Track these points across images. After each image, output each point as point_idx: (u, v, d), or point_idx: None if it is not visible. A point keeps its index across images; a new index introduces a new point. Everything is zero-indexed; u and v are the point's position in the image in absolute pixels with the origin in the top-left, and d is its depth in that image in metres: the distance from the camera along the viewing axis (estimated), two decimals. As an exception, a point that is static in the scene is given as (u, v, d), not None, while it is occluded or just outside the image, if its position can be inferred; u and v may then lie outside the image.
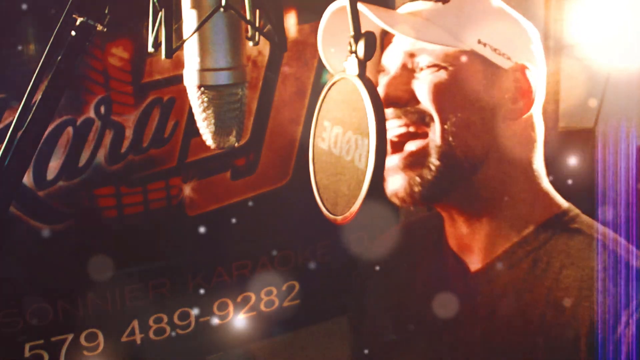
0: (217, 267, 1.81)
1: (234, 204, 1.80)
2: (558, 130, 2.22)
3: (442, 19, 0.97)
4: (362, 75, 0.74)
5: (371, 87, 0.73)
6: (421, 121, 0.97)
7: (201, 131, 0.86)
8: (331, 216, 0.80)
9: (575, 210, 1.02)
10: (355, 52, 0.74)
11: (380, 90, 0.98)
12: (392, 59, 1.01)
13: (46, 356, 1.62)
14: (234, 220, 1.80)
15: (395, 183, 0.97)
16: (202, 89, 0.82)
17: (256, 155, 1.81)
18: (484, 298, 0.99)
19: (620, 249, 0.94)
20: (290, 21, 1.76)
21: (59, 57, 0.78)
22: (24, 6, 1.44)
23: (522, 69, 0.98)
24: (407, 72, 0.99)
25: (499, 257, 0.99)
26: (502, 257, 0.99)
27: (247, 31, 0.86)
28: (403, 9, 1.04)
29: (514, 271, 0.97)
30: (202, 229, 1.76)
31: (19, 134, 0.77)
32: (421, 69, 0.98)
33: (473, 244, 1.02)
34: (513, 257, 0.98)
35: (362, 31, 0.73)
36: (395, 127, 0.98)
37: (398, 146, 0.99)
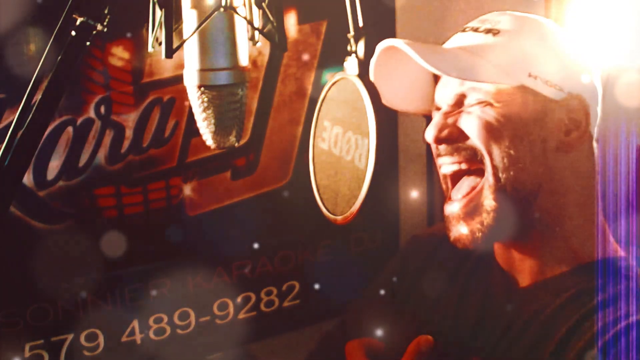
0: (217, 267, 1.81)
1: (234, 204, 1.80)
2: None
3: (492, 54, 0.95)
4: (362, 75, 0.74)
5: (371, 87, 0.73)
6: (473, 158, 0.97)
7: (201, 131, 0.86)
8: (331, 216, 0.80)
9: (631, 261, 1.00)
10: (356, 52, 0.74)
11: (432, 128, 0.98)
12: (445, 97, 1.00)
13: (46, 356, 1.62)
14: (234, 220, 1.80)
15: (459, 231, 0.98)
16: (202, 89, 0.82)
17: (256, 155, 1.81)
18: (523, 315, 0.98)
19: None
20: (290, 21, 1.76)
21: (59, 57, 0.78)
22: (24, 6, 1.44)
23: (575, 99, 0.97)
24: (458, 109, 0.98)
25: (547, 280, 0.99)
26: (550, 280, 0.99)
27: (247, 31, 0.86)
28: (451, 42, 1.02)
29: (558, 298, 0.97)
30: (202, 229, 1.76)
31: (19, 134, 0.77)
32: (470, 105, 0.97)
33: (522, 267, 1.02)
34: (561, 285, 0.98)
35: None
36: (448, 163, 0.99)
37: (454, 181, 1.00)
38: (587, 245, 1.00)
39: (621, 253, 1.01)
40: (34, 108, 0.77)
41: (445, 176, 1.01)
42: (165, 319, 1.76)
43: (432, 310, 1.11)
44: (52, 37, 0.79)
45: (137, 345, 1.73)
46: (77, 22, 0.79)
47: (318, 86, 1.83)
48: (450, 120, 0.98)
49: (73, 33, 0.79)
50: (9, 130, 0.78)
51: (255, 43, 0.88)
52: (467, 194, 0.98)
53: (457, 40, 1.01)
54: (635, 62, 1.93)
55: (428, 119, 1.02)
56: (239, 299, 1.85)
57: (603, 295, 0.94)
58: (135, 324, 1.72)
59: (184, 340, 1.79)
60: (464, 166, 0.98)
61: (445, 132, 0.97)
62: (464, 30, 1.01)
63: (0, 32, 1.44)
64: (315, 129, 0.86)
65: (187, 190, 1.73)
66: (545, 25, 1.01)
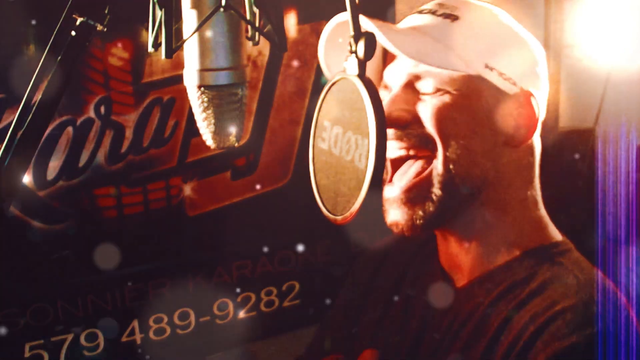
0: (217, 267, 1.81)
1: (234, 204, 1.80)
2: (558, 130, 2.23)
3: (450, 39, 0.94)
4: (362, 75, 0.74)
5: (371, 87, 0.73)
6: (423, 145, 0.95)
7: (201, 131, 0.86)
8: (331, 216, 0.80)
9: (568, 246, 1.00)
10: (355, 52, 0.74)
11: None
12: (395, 77, 0.99)
13: (46, 356, 1.62)
14: (234, 220, 1.80)
15: (396, 215, 0.97)
16: (202, 89, 0.82)
17: (256, 155, 1.81)
18: (464, 313, 0.98)
19: (606, 295, 0.91)
20: (290, 21, 1.76)
21: (59, 57, 0.78)
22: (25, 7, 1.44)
23: (527, 95, 0.96)
24: (411, 92, 0.96)
25: (482, 276, 0.99)
26: (485, 276, 0.99)
27: (247, 31, 0.86)
28: (408, 21, 1.01)
29: (489, 295, 0.96)
30: (202, 229, 1.76)
31: (19, 134, 0.77)
32: (426, 93, 0.95)
33: (462, 263, 1.02)
34: (492, 280, 0.98)
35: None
36: (395, 148, 0.97)
37: (397, 166, 0.98)
38: (525, 235, 0.99)
39: (557, 239, 1.00)
40: (34, 108, 0.77)
41: (390, 161, 0.99)
42: (165, 319, 1.76)
43: (380, 327, 1.10)
44: (52, 37, 0.79)
45: (137, 345, 1.73)
46: (77, 22, 0.79)
47: (318, 86, 1.83)
48: (401, 105, 0.96)
49: (73, 33, 0.79)
50: (9, 130, 0.78)
51: (255, 43, 0.88)
52: (413, 179, 0.96)
53: (413, 21, 0.99)
54: (635, 62, 1.93)
55: None
56: (239, 299, 1.85)
57: (532, 285, 0.93)
58: (135, 324, 1.73)
59: (184, 340, 1.79)
60: (411, 152, 0.96)
61: (394, 117, 0.95)
62: (420, 12, 1.00)
63: (0, 32, 1.44)
64: (315, 129, 0.86)
65: (187, 190, 1.73)
66: (501, 15, 1.00)
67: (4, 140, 0.78)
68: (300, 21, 1.78)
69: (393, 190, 0.98)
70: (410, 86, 0.97)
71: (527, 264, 0.97)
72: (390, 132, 0.97)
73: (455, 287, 1.02)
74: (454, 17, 0.96)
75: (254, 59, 1.75)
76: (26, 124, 0.77)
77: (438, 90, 0.94)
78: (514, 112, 0.96)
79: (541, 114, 0.99)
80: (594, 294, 0.90)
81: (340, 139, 0.79)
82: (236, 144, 0.86)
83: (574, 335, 0.85)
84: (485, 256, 1.00)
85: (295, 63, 1.81)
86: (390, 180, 0.99)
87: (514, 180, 0.98)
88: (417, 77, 0.96)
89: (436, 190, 0.94)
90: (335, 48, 0.99)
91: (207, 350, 1.83)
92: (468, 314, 0.97)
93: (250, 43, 0.87)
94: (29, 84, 0.80)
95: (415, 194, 0.96)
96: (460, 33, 0.94)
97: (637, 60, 1.92)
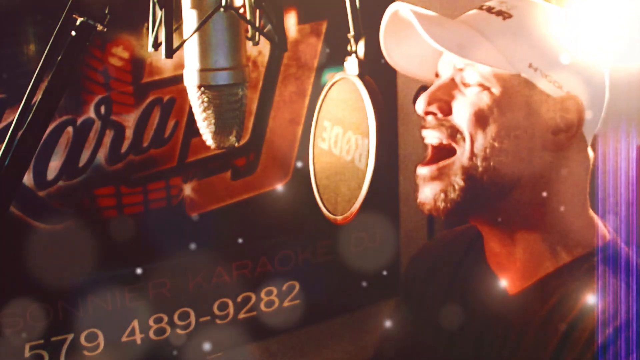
0: (217, 267, 1.80)
1: (234, 204, 1.80)
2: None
3: (497, 36, 0.93)
4: (362, 75, 0.74)
5: (371, 87, 0.73)
6: (455, 136, 0.95)
7: (201, 131, 0.86)
8: (331, 216, 0.80)
9: (616, 245, 0.99)
10: (356, 52, 0.74)
11: (422, 100, 0.96)
12: (444, 67, 0.99)
13: (46, 356, 1.62)
14: (234, 220, 1.80)
15: (424, 194, 0.97)
16: (202, 89, 0.82)
17: (256, 155, 1.81)
18: (517, 323, 0.98)
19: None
20: (290, 21, 1.76)
21: (59, 57, 0.78)
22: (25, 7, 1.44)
23: (573, 99, 0.94)
24: (454, 85, 0.96)
25: (534, 284, 0.98)
26: (537, 284, 0.98)
27: (247, 31, 0.86)
28: (463, 17, 1.00)
29: (545, 302, 0.96)
30: (202, 229, 1.76)
31: (19, 134, 0.77)
32: (467, 85, 0.95)
33: (509, 265, 1.01)
34: (547, 287, 0.97)
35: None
36: (432, 137, 0.98)
37: (433, 156, 0.99)
38: (571, 243, 0.98)
39: (605, 240, 0.99)
40: (34, 108, 0.77)
41: (428, 145, 1.00)
42: (165, 319, 1.76)
43: (436, 332, 1.10)
44: (52, 37, 0.79)
45: (137, 345, 1.73)
46: (77, 22, 0.79)
47: (318, 86, 1.82)
48: (443, 95, 0.96)
49: (73, 33, 0.79)
50: (9, 130, 0.78)
51: (255, 43, 0.88)
52: (440, 162, 0.97)
53: (467, 16, 1.00)
54: (635, 62, 1.93)
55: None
56: (239, 299, 1.85)
57: (584, 296, 0.93)
58: (135, 324, 1.72)
59: (184, 340, 1.79)
60: (445, 141, 0.97)
61: (434, 106, 0.96)
62: (480, 8, 0.99)
63: (0, 32, 1.44)
64: (315, 129, 0.86)
65: (187, 190, 1.73)
66: (562, 17, 0.98)
67: (4, 140, 0.78)
68: (300, 21, 1.78)
69: (423, 170, 0.98)
70: (453, 78, 0.97)
71: (577, 273, 0.96)
72: (429, 119, 0.97)
73: (508, 294, 1.02)
74: (507, 15, 0.95)
75: (254, 59, 1.75)
76: (26, 124, 0.77)
77: (479, 85, 0.94)
78: (557, 116, 0.94)
79: (592, 124, 0.97)
80: None
81: (340, 139, 0.79)
82: (236, 144, 0.86)
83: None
84: (532, 260, 0.99)
85: (295, 63, 1.80)
86: (426, 162, 1.00)
87: (555, 186, 0.97)
88: (461, 70, 0.96)
89: (458, 180, 0.94)
90: (395, 34, 0.98)
91: (207, 351, 1.83)
92: (523, 325, 0.96)
93: (250, 43, 0.87)
94: (29, 84, 0.80)
95: (439, 175, 0.96)
96: (509, 31, 0.93)
97: (637, 60, 1.92)
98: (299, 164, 1.84)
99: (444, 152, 0.97)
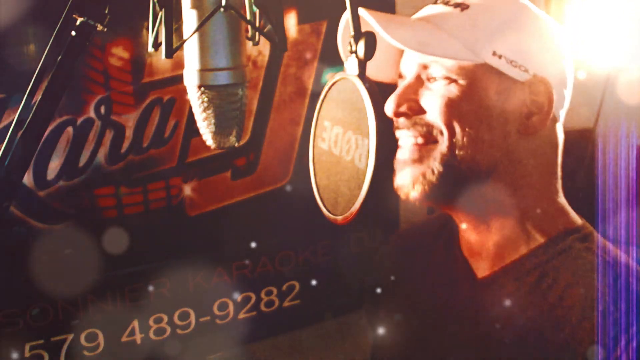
0: (217, 267, 1.81)
1: (234, 204, 1.80)
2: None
3: (457, 28, 0.93)
4: (362, 75, 0.74)
5: (371, 87, 0.73)
6: (431, 134, 0.95)
7: (201, 131, 0.86)
8: (331, 216, 0.80)
9: (589, 229, 1.00)
10: (356, 52, 0.74)
11: (391, 101, 0.97)
12: (408, 66, 0.99)
13: (46, 356, 1.62)
14: (234, 220, 1.80)
15: (402, 178, 0.98)
16: (202, 89, 0.82)
17: (256, 155, 1.81)
18: (487, 305, 0.98)
19: (630, 274, 0.92)
20: (290, 21, 1.76)
21: (59, 57, 0.78)
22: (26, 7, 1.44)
23: (541, 82, 0.95)
24: (420, 82, 0.97)
25: (506, 267, 0.99)
26: (509, 267, 0.98)
27: (247, 31, 0.86)
28: (419, 13, 1.01)
29: (520, 283, 0.96)
30: (202, 229, 1.76)
31: (19, 134, 0.77)
32: (433, 79, 0.95)
33: (482, 251, 1.02)
34: (520, 269, 0.97)
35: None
36: (406, 137, 0.98)
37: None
38: (546, 222, 0.99)
39: (579, 222, 1.00)
40: (34, 108, 0.77)
41: (400, 147, 1.00)
42: (165, 319, 1.76)
43: (410, 311, 1.10)
44: (52, 37, 0.79)
45: (137, 345, 1.73)
46: (77, 22, 0.79)
47: (318, 86, 1.82)
48: (411, 95, 0.97)
49: (73, 33, 0.79)
50: (9, 130, 0.78)
51: (255, 43, 0.88)
52: (420, 145, 0.97)
53: (424, 12, 1.00)
54: (635, 64, 1.93)
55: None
56: (239, 299, 1.85)
57: (565, 274, 0.93)
58: (135, 324, 1.72)
59: (184, 340, 1.79)
60: (419, 140, 0.97)
61: (404, 107, 0.96)
62: (435, 2, 1.00)
63: (0, 32, 1.44)
64: (315, 129, 0.86)
65: (187, 190, 1.73)
66: (520, 3, 0.98)
67: (4, 140, 0.78)
68: (300, 21, 1.78)
69: (401, 154, 0.99)
70: (420, 77, 0.97)
71: (552, 252, 0.96)
72: (401, 121, 0.98)
73: (476, 277, 1.02)
74: (464, 6, 0.95)
75: (254, 59, 1.75)
76: (26, 124, 0.77)
77: (445, 79, 0.94)
78: (527, 99, 0.95)
79: (560, 102, 0.97)
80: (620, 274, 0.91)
81: (340, 139, 0.79)
82: (236, 144, 0.86)
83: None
84: (505, 244, 0.99)
85: (295, 63, 1.80)
86: (399, 145, 1.00)
87: (530, 169, 0.98)
88: (426, 67, 0.96)
89: (437, 165, 0.95)
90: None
91: (207, 350, 1.83)
92: (492, 306, 0.97)
93: (250, 43, 0.87)
94: (29, 84, 0.80)
95: (420, 157, 0.96)
96: (467, 21, 0.94)
97: (637, 60, 1.92)
98: (299, 164, 1.84)
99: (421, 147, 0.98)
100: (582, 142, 2.09)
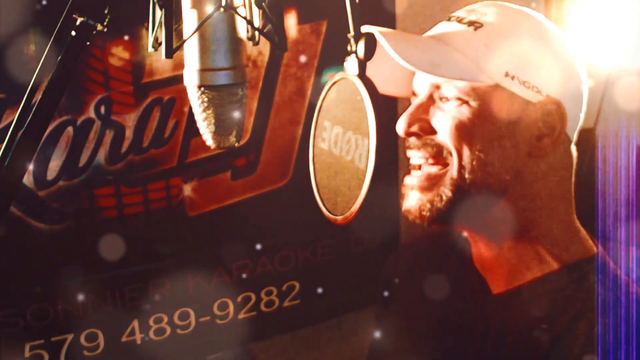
0: (217, 267, 1.81)
1: (234, 204, 1.80)
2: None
3: (470, 47, 0.92)
4: (362, 75, 0.74)
5: (371, 87, 0.73)
6: (440, 155, 0.95)
7: (201, 131, 0.86)
8: (331, 216, 0.80)
9: (604, 258, 0.98)
10: (356, 52, 0.74)
11: (402, 120, 0.96)
12: (421, 85, 0.98)
13: (46, 356, 1.62)
14: (234, 220, 1.80)
15: (410, 202, 0.98)
16: (202, 89, 0.82)
17: (256, 155, 1.81)
18: (500, 321, 0.98)
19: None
20: (290, 21, 1.76)
21: (59, 57, 0.78)
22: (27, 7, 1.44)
23: (554, 103, 0.93)
24: (432, 102, 0.96)
25: (521, 287, 0.98)
26: (523, 288, 0.98)
27: (247, 31, 0.86)
28: (433, 30, 0.99)
29: (531, 306, 0.95)
30: (202, 229, 1.76)
31: (19, 134, 0.77)
32: (445, 99, 0.94)
33: (495, 267, 1.01)
34: (533, 292, 0.96)
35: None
36: (415, 157, 0.98)
37: (417, 169, 0.99)
38: (561, 247, 0.98)
39: (593, 252, 0.99)
40: (34, 108, 0.77)
41: (414, 165, 1.01)
42: (165, 319, 1.76)
43: (418, 320, 1.10)
44: (52, 37, 0.79)
45: (137, 345, 1.73)
46: (77, 22, 0.79)
47: (318, 86, 1.82)
48: (422, 114, 0.96)
49: (73, 33, 0.79)
50: (9, 130, 0.78)
51: (255, 43, 0.88)
52: (429, 173, 0.97)
53: (437, 30, 0.99)
54: (635, 64, 1.93)
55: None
56: (239, 299, 1.85)
57: (576, 304, 0.92)
58: (135, 324, 1.72)
59: (184, 340, 1.79)
60: (430, 161, 0.97)
61: (415, 127, 0.96)
62: (449, 19, 0.98)
63: (0, 33, 1.44)
64: (315, 129, 0.86)
65: (187, 190, 1.73)
66: (535, 22, 0.97)
67: (4, 140, 0.78)
68: (300, 21, 1.78)
69: (410, 180, 0.99)
70: (432, 96, 0.96)
71: (566, 280, 0.95)
72: (411, 140, 0.98)
73: (492, 293, 1.01)
74: (478, 25, 0.94)
75: (254, 59, 1.75)
76: (26, 124, 0.77)
77: (457, 99, 0.93)
78: (539, 121, 0.93)
79: (574, 123, 0.96)
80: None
81: (340, 139, 0.79)
82: (236, 144, 0.86)
83: None
84: (517, 267, 0.98)
85: (295, 63, 1.80)
86: (409, 173, 1.00)
87: (541, 191, 0.96)
88: (438, 87, 0.95)
89: (446, 191, 0.94)
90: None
91: (207, 350, 1.83)
92: (506, 323, 0.96)
93: (250, 43, 0.87)
94: (29, 84, 0.80)
95: (428, 185, 0.96)
96: (481, 41, 0.92)
97: (637, 60, 1.92)
98: (299, 164, 1.84)
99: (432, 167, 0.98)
100: (582, 142, 2.09)
